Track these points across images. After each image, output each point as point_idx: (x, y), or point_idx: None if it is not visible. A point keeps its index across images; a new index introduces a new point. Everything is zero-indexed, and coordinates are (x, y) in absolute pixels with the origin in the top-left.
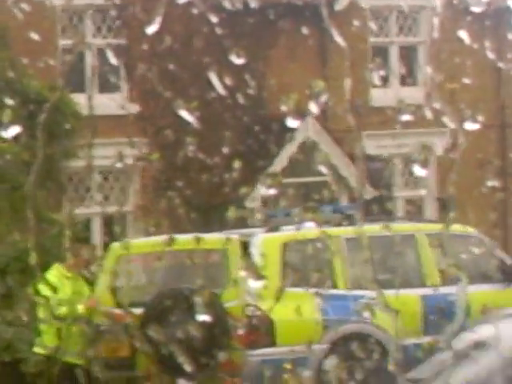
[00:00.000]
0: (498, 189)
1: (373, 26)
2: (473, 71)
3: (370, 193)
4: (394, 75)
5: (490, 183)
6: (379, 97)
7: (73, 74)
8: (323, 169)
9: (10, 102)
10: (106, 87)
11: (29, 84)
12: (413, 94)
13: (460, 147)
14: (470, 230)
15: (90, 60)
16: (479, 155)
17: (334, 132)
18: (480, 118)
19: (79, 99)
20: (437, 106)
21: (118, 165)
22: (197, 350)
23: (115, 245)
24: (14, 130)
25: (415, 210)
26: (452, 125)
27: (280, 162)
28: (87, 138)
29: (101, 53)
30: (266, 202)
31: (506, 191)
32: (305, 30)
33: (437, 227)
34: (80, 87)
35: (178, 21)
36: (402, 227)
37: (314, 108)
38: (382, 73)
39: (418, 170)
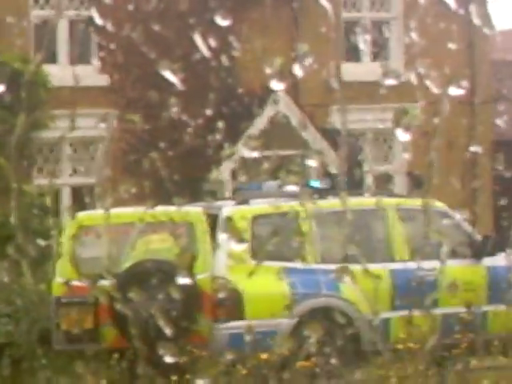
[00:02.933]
0: (471, 165)
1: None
2: (445, 47)
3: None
4: (366, 50)
5: (472, 149)
6: (351, 71)
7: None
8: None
9: None
10: (77, 59)
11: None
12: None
13: (442, 115)
14: (440, 204)
15: (63, 31)
16: (449, 132)
17: (304, 106)
18: (464, 83)
19: (50, 70)
20: (421, 71)
21: (102, 125)
22: (168, 320)
23: (77, 215)
24: None
25: (385, 185)
26: (437, 90)
27: (250, 134)
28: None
29: (72, 24)
30: (234, 174)
31: (475, 169)
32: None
33: (406, 202)
34: (51, 58)
35: None
36: (372, 201)
37: (298, 71)
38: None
39: (401, 135)
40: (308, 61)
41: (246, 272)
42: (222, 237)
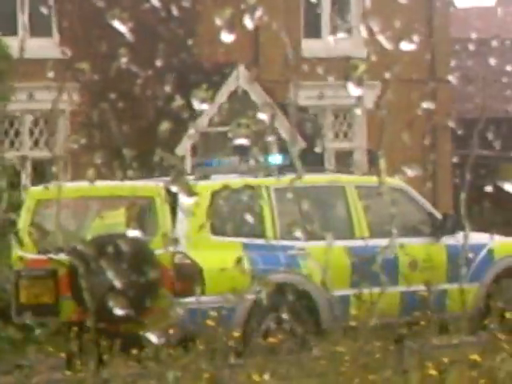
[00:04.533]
0: (428, 145)
1: None
2: (404, 24)
3: (299, 144)
4: (326, 25)
5: (424, 105)
6: (310, 47)
7: (4, 17)
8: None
9: None
10: (37, 31)
11: None
12: (343, 45)
13: (394, 70)
14: (399, 182)
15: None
16: (409, 110)
17: (264, 82)
18: (415, 37)
19: (10, 42)
20: (373, 27)
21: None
22: (127, 296)
23: (35, 189)
24: None
25: (345, 163)
26: (388, 45)
27: (210, 111)
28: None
29: None
30: (194, 150)
31: (435, 147)
32: None
33: (366, 179)
34: (11, 30)
35: None
36: (331, 178)
37: (249, 23)
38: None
39: (353, 90)
40: (258, 13)
41: (205, 247)
42: (181, 210)
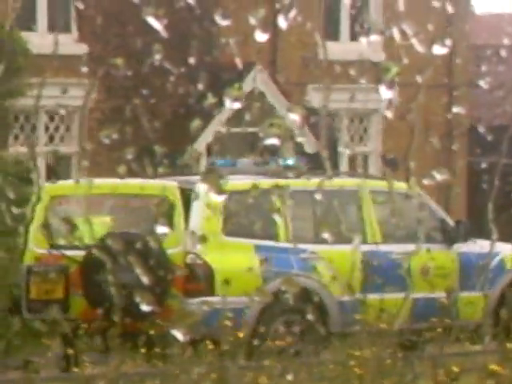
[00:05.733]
0: (445, 150)
1: None
2: (424, 31)
3: (314, 147)
4: (345, 29)
5: (455, 109)
6: (329, 50)
7: (23, 12)
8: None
9: None
10: (56, 26)
11: None
12: (362, 48)
13: (426, 74)
14: (414, 188)
15: None
16: (426, 115)
17: (281, 84)
18: (448, 42)
19: (29, 37)
20: (406, 29)
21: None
22: (141, 294)
23: (50, 185)
24: None
25: (360, 167)
26: (420, 48)
27: (225, 112)
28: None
29: None
30: (210, 150)
31: (450, 153)
32: None
33: (380, 184)
34: (30, 25)
35: None
36: (345, 182)
37: (282, 23)
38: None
39: (384, 92)
40: (292, 12)
41: (218, 248)
42: (196, 204)
